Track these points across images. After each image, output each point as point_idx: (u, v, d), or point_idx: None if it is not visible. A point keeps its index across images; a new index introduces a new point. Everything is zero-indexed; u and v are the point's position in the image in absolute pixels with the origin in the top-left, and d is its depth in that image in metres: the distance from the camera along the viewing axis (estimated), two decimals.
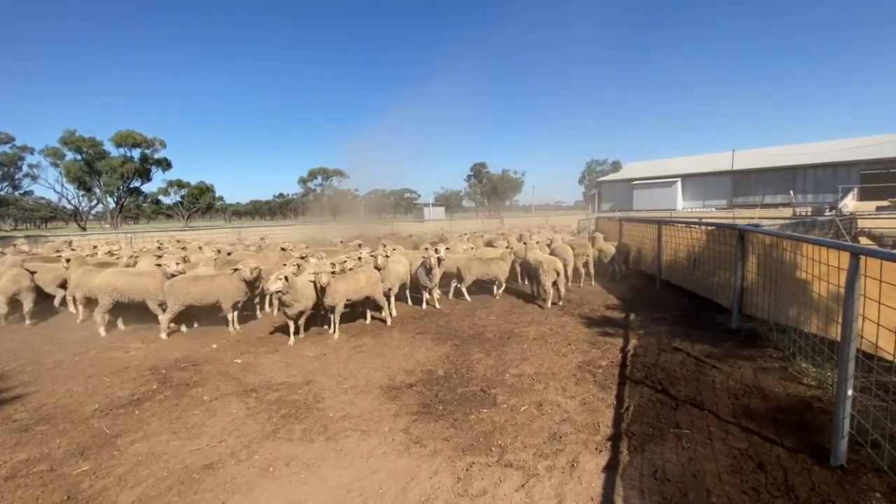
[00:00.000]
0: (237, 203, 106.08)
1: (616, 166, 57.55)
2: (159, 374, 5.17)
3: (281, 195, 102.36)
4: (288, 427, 3.88)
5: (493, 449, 3.45)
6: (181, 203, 55.91)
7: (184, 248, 10.36)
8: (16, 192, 46.20)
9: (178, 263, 6.79)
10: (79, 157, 42.42)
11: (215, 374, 5.15)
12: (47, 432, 3.91)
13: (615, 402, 4.20)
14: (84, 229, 41.92)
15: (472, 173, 66.98)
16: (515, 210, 68.52)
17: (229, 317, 6.90)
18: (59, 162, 42.69)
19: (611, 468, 3.19)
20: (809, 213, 26.56)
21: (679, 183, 42.42)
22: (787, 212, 25.96)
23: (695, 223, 8.27)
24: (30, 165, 43.47)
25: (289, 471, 3.23)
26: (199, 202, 56.04)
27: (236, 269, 6.62)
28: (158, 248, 10.61)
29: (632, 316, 7.22)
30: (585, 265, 10.02)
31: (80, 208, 46.26)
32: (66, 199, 45.56)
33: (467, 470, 3.18)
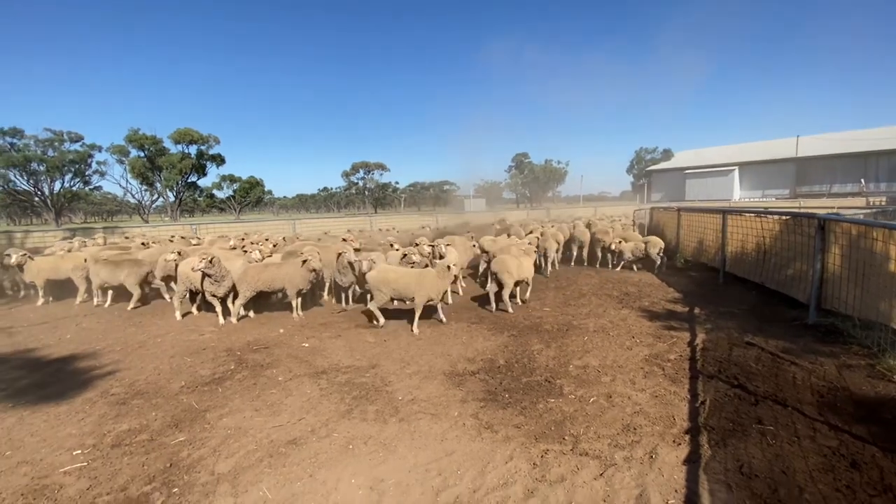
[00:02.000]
0: (284, 197, 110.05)
1: (667, 154, 54.94)
2: (234, 356, 5.49)
3: (325, 189, 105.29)
4: (361, 408, 4.02)
5: (566, 438, 3.43)
6: (233, 197, 58.59)
7: (266, 239, 10.97)
8: (86, 188, 49.78)
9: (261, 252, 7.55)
10: (142, 153, 45.33)
11: (286, 357, 5.40)
12: (143, 406, 4.25)
13: (689, 396, 4.06)
14: (146, 222, 44.92)
15: (513, 164, 66.06)
16: (558, 201, 67.14)
17: (294, 303, 7.21)
18: (124, 159, 45.75)
19: (692, 461, 3.10)
20: (884, 203, 24.41)
21: (736, 171, 40.13)
22: (859, 201, 23.98)
23: (772, 212, 7.77)
24: (98, 162, 46.78)
25: (367, 449, 3.36)
26: (250, 196, 58.47)
27: (305, 261, 6.92)
28: (242, 239, 11.22)
29: (696, 309, 6.93)
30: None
31: (143, 202, 49.46)
32: (131, 193, 48.85)
33: (542, 457, 3.19)
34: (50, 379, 5.02)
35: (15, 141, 40.22)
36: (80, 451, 3.46)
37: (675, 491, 2.80)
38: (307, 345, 5.85)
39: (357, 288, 7.65)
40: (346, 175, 72.22)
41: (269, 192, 69.31)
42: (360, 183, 72.75)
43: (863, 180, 32.88)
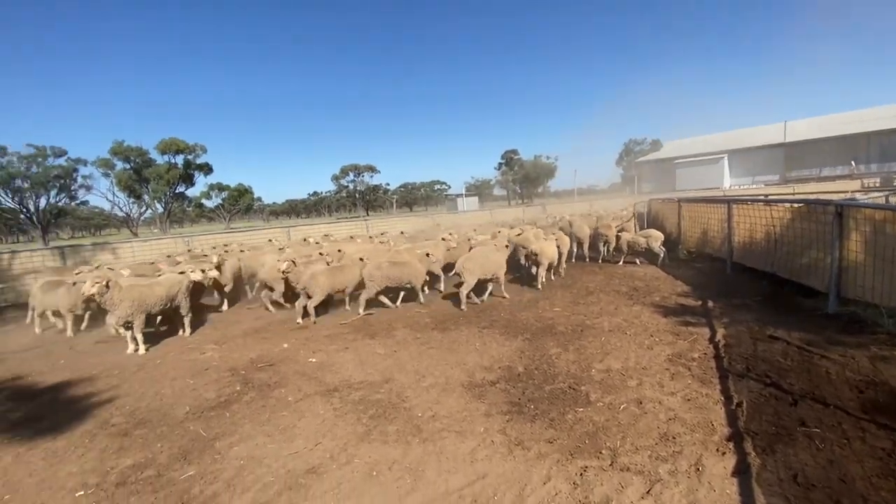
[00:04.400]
0: (273, 203, 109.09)
1: (656, 145, 55.09)
2: (239, 375, 5.24)
3: (315, 193, 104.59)
4: (380, 428, 3.80)
5: (602, 451, 3.24)
6: (222, 205, 57.87)
7: (317, 243, 11.28)
8: (72, 203, 48.80)
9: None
10: (128, 165, 44.53)
11: (293, 374, 5.16)
12: (147, 436, 3.99)
13: (723, 398, 3.89)
14: (136, 234, 44.17)
15: (503, 161, 65.93)
16: (548, 196, 67.10)
17: (420, 295, 8.00)
18: (109, 172, 44.92)
19: (741, 472, 2.92)
20: (878, 184, 24.60)
21: (725, 159, 40.31)
22: (853, 184, 24.10)
23: (782, 200, 7.65)
24: (83, 177, 45.90)
25: (393, 475, 3.14)
26: (240, 203, 57.82)
27: (428, 254, 8.14)
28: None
29: (709, 303, 6.79)
30: None
31: (131, 215, 48.63)
32: (118, 206, 47.98)
33: (581, 475, 2.99)
34: (45, 410, 4.73)
35: None
36: (82, 493, 3.20)
37: None
38: (314, 360, 5.60)
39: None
40: (335, 178, 71.68)
41: (259, 199, 68.61)
42: (351, 186, 72.25)
43: (853, 162, 33.11)
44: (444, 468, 3.18)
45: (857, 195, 13.08)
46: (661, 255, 10.09)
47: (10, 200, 41.07)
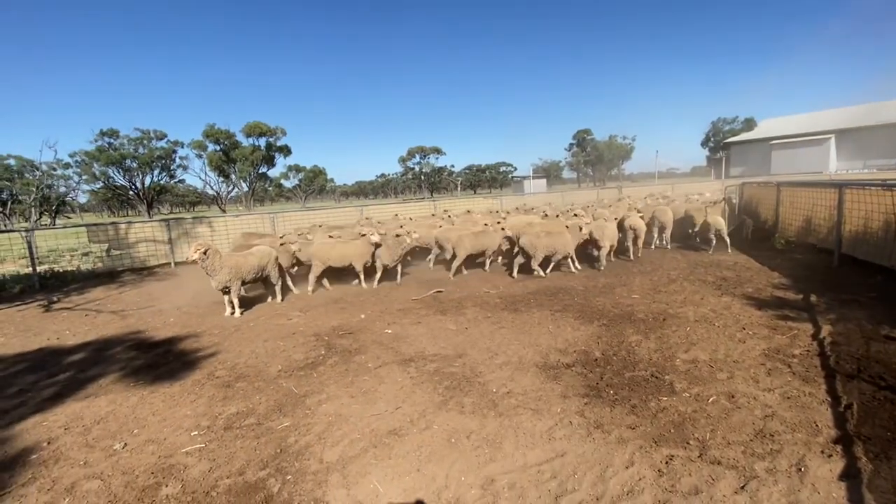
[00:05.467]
0: (344, 184, 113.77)
1: (749, 124, 49.80)
2: (323, 341, 5.61)
3: (383, 175, 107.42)
4: (456, 399, 3.91)
5: (689, 442, 3.09)
6: (299, 186, 61.37)
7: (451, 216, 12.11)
8: (171, 181, 54.00)
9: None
10: (217, 147, 48.48)
11: (371, 343, 5.43)
12: (247, 389, 4.43)
13: (829, 399, 3.54)
14: (224, 211, 48.20)
15: (574, 141, 63.38)
16: (622, 179, 63.63)
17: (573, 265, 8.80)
18: (202, 153, 49.22)
19: (851, 476, 2.66)
20: None
21: (832, 140, 35.68)
22: None
23: None
24: (181, 157, 50.67)
25: (471, 444, 3.23)
26: (314, 184, 60.97)
27: (581, 228, 8.70)
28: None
29: (813, 297, 6.14)
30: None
31: (220, 193, 53.09)
32: (209, 185, 52.58)
33: (667, 463, 2.89)
34: (161, 360, 5.39)
35: (112, 141, 44.47)
36: (196, 433, 3.64)
37: None
38: (390, 331, 5.85)
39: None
40: (402, 160, 73.07)
41: (332, 180, 71.76)
42: (417, 168, 73.35)
43: None
44: (521, 443, 3.22)
45: None
46: (713, 243, 9.61)
47: (121, 178, 46.44)
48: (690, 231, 10.62)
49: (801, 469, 2.76)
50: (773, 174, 34.77)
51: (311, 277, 8.21)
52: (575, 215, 10.31)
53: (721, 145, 48.62)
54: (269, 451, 3.33)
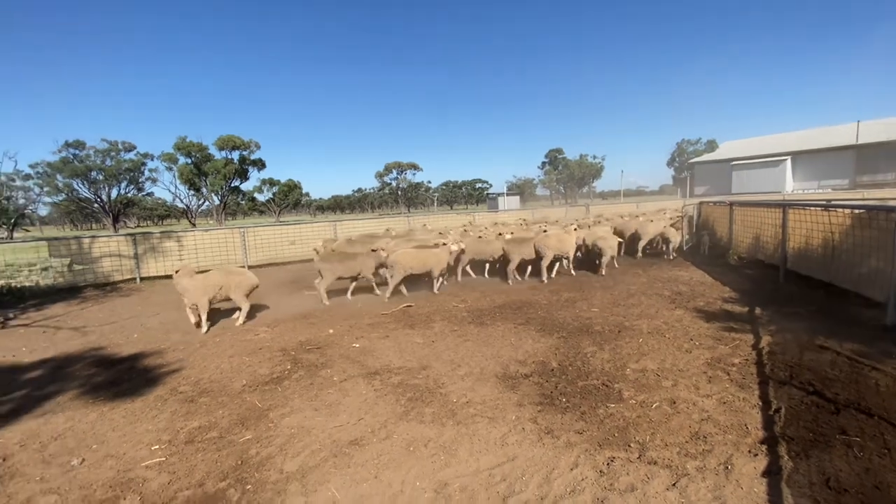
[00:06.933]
0: (320, 198, 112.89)
1: (711, 145, 52.55)
2: (290, 356, 5.66)
3: (359, 189, 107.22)
4: (417, 410, 4.05)
5: (631, 445, 3.32)
6: (273, 199, 60.62)
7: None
8: (139, 194, 52.55)
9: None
10: (189, 160, 47.58)
11: (338, 357, 5.52)
12: (210, 404, 4.45)
13: (760, 403, 3.85)
14: (194, 225, 47.14)
15: (546, 160, 65.05)
16: (593, 197, 65.49)
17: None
18: (172, 166, 48.20)
19: (772, 473, 2.93)
20: None
21: (788, 161, 37.86)
22: None
23: (841, 205, 7.27)
24: (150, 170, 49.48)
25: (428, 451, 3.37)
26: (289, 198, 60.35)
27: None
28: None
29: (757, 310, 6.57)
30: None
31: (191, 207, 51.93)
32: (179, 198, 51.40)
33: (608, 464, 3.10)
34: (123, 376, 5.33)
35: (77, 152, 43.12)
36: (157, 447, 3.66)
37: None
38: (357, 345, 5.95)
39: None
40: (379, 175, 73.26)
41: (307, 194, 71.24)
42: (394, 183, 73.65)
43: None
44: (475, 449, 3.38)
45: None
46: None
47: (86, 190, 44.93)
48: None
49: (728, 467, 3.01)
50: (735, 193, 36.57)
51: (392, 284, 8.48)
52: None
53: (686, 165, 50.86)
54: (230, 462, 3.39)
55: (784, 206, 8.54)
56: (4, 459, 3.55)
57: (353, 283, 9.02)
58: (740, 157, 41.84)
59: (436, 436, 3.59)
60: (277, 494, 2.97)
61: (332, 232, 14.89)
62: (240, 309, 7.37)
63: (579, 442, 3.39)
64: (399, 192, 73.21)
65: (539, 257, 9.40)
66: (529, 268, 10.08)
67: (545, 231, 10.38)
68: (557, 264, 9.98)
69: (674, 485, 2.85)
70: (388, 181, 73.10)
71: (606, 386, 4.34)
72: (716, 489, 2.80)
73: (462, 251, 9.43)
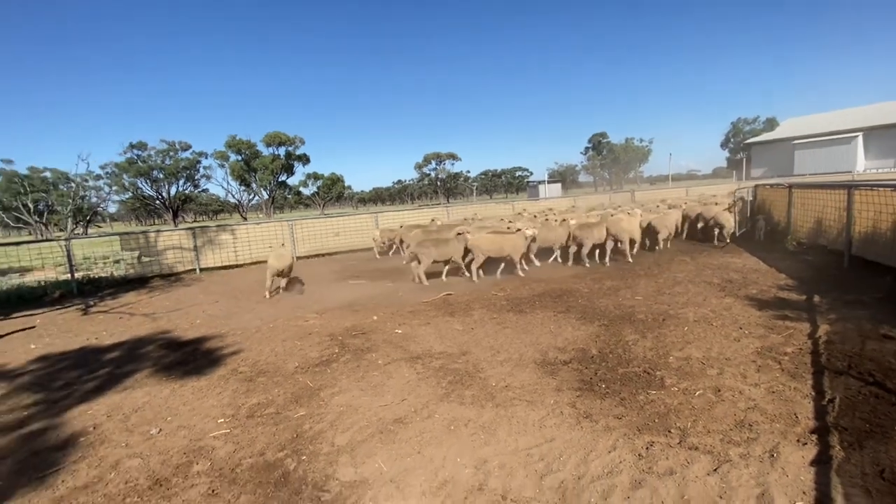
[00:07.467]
0: (361, 191, 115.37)
1: (771, 124, 48.92)
2: (337, 340, 5.98)
3: (399, 181, 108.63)
4: (457, 392, 4.21)
5: (671, 430, 3.32)
6: (317, 193, 62.70)
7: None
8: (195, 190, 55.85)
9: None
10: (239, 157, 50.05)
11: (382, 342, 5.77)
12: (266, 383, 4.81)
13: (813, 393, 3.71)
14: (245, 219, 49.63)
15: (590, 145, 63.10)
16: (640, 182, 62.98)
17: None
18: (224, 163, 50.88)
19: (821, 463, 2.85)
20: None
21: (860, 139, 34.72)
22: None
23: None
24: (204, 167, 52.49)
25: (468, 431, 3.52)
26: (332, 191, 62.19)
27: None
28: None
29: (816, 298, 6.23)
30: None
31: (241, 201, 54.68)
32: (231, 193, 54.26)
33: (647, 448, 3.12)
34: (189, 357, 5.84)
35: (140, 153, 46.38)
36: (222, 420, 4.03)
37: (803, 493, 2.60)
38: (400, 331, 6.18)
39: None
40: (418, 167, 73.92)
41: (349, 187, 73.10)
42: (433, 174, 74.09)
43: None
44: (514, 430, 3.49)
45: None
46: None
47: (149, 188, 48.32)
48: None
49: (773, 455, 2.95)
50: (797, 174, 34.06)
51: (474, 267, 9.05)
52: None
53: (741, 146, 47.78)
54: (287, 435, 3.69)
55: (849, 186, 7.95)
56: (94, 428, 4.04)
57: (447, 266, 9.55)
58: (803, 135, 38.79)
59: (475, 416, 3.73)
60: (329, 465, 3.22)
61: (374, 223, 15.30)
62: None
63: (618, 426, 3.42)
64: (438, 183, 73.57)
65: (616, 241, 9.77)
66: (572, 255, 10.01)
67: (612, 215, 10.73)
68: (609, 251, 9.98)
69: (715, 470, 2.84)
70: (428, 172, 73.62)
71: (648, 373, 4.31)
72: (759, 476, 2.77)
73: (534, 238, 9.60)
